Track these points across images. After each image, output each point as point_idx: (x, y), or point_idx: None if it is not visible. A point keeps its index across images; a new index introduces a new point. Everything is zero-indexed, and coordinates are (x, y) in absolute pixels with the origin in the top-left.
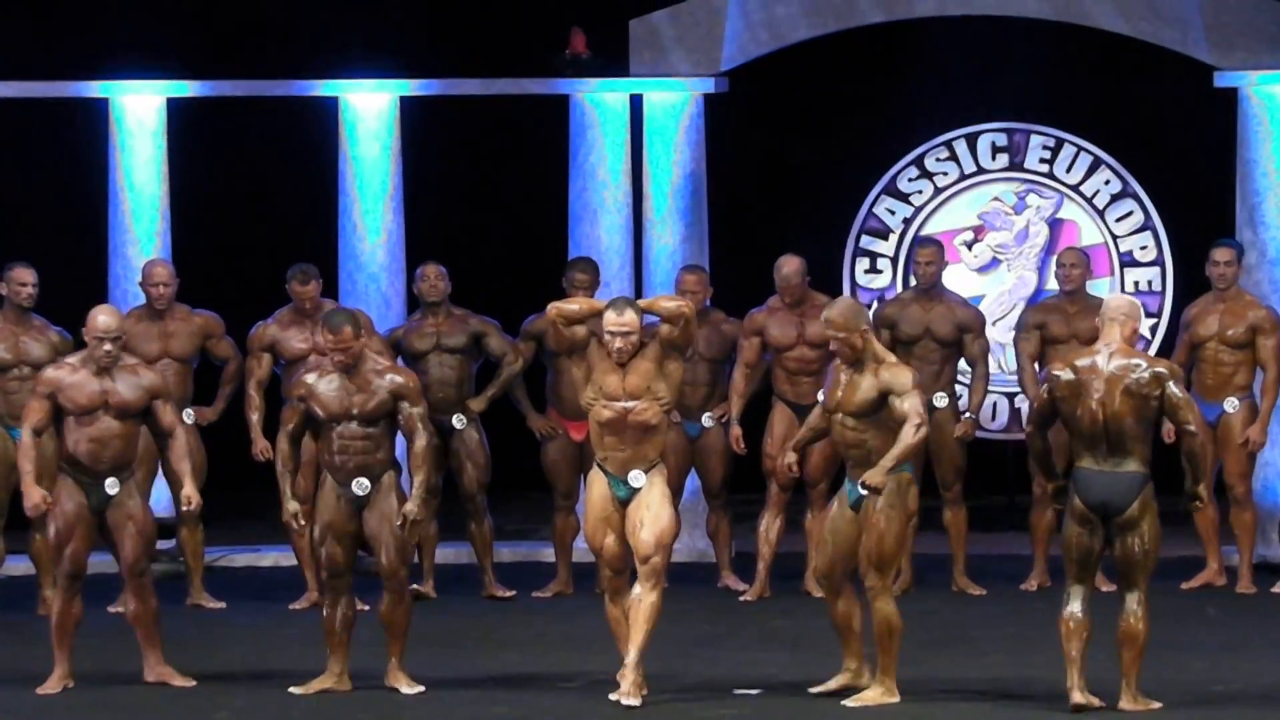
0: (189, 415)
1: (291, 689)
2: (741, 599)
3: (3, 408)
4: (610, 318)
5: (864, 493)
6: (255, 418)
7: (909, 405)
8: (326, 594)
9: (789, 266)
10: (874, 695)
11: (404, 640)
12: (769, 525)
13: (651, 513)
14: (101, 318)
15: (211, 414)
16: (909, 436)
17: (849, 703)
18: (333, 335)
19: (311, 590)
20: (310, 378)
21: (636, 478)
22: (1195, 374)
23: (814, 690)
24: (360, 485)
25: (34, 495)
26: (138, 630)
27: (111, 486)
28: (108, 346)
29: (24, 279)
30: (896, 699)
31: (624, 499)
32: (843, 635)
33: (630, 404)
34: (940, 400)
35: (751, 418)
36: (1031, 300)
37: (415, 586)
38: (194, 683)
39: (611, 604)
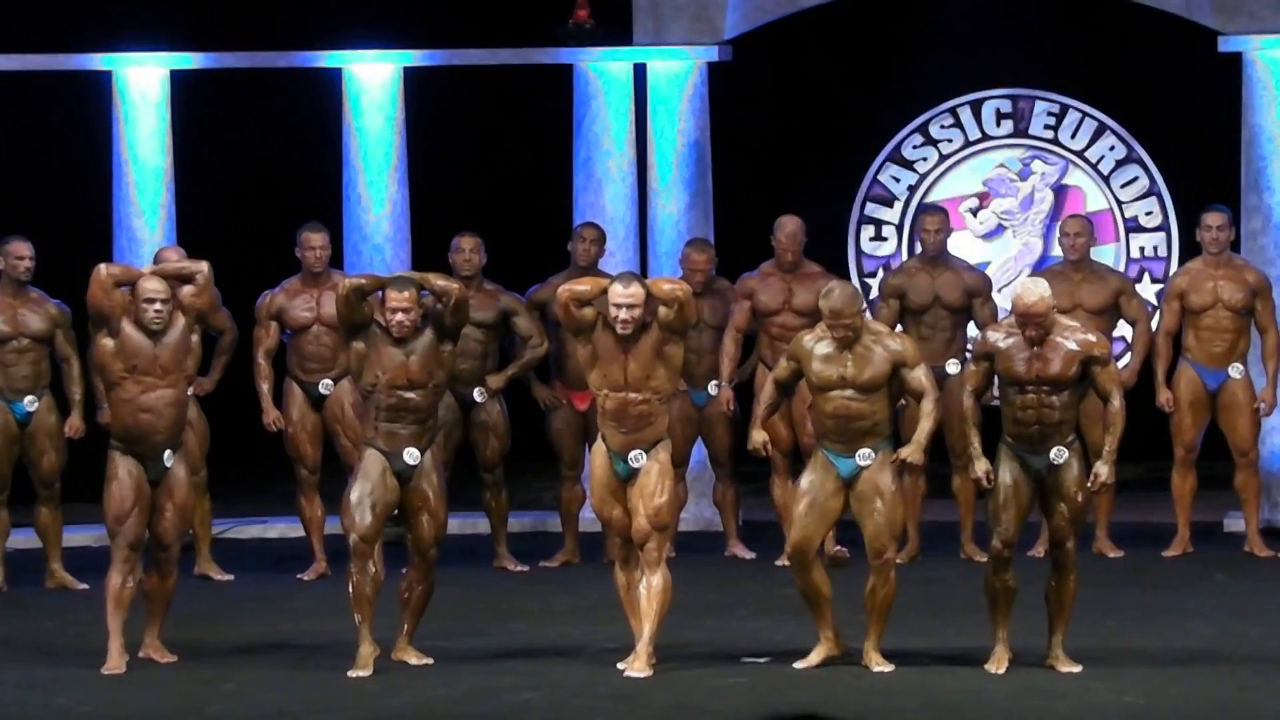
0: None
1: (350, 673)
2: (779, 564)
3: (2, 380)
4: (616, 290)
5: (864, 464)
6: (265, 387)
7: (923, 377)
8: (355, 561)
9: (792, 224)
10: (880, 659)
11: (419, 618)
12: (783, 492)
13: (647, 497)
14: (148, 283)
15: (208, 384)
16: (933, 410)
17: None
18: (400, 294)
19: (320, 561)
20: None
21: (637, 457)
22: (1195, 342)
23: (799, 665)
24: (411, 455)
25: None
26: (148, 602)
27: (168, 459)
28: (158, 307)
29: (20, 252)
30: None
31: (624, 476)
32: (817, 607)
33: (633, 395)
34: (952, 367)
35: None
36: (1037, 267)
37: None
38: (176, 658)
39: (621, 570)
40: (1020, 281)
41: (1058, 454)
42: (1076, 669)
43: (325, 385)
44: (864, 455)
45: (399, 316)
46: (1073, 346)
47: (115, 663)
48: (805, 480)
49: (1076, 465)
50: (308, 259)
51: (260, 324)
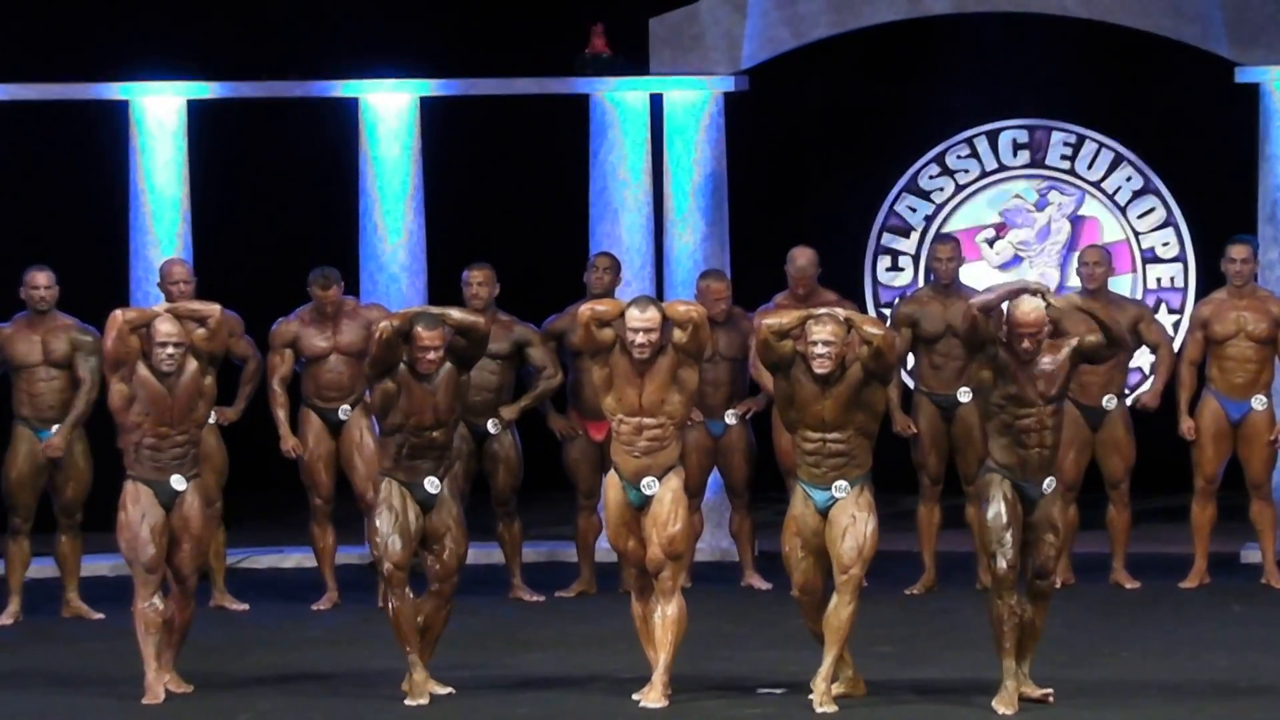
0: (210, 416)
1: (408, 702)
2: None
3: (29, 410)
4: (633, 314)
5: (840, 496)
6: (281, 414)
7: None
8: (394, 590)
9: (804, 258)
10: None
11: (435, 645)
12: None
13: (661, 526)
14: (163, 325)
15: (233, 414)
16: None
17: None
18: (432, 333)
19: (331, 591)
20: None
21: (649, 485)
22: (1217, 372)
23: (822, 710)
24: (432, 484)
25: None
26: (165, 633)
27: (178, 483)
28: (170, 351)
29: (36, 282)
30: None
31: (637, 504)
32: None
33: (647, 420)
34: (964, 395)
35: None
36: None
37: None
38: (191, 688)
39: (637, 601)
40: (1019, 299)
41: (1049, 483)
42: (1048, 692)
43: (344, 411)
44: (840, 488)
45: (430, 355)
46: (1058, 355)
47: (155, 692)
48: (790, 516)
49: (1060, 498)
50: (319, 306)
51: (275, 351)
